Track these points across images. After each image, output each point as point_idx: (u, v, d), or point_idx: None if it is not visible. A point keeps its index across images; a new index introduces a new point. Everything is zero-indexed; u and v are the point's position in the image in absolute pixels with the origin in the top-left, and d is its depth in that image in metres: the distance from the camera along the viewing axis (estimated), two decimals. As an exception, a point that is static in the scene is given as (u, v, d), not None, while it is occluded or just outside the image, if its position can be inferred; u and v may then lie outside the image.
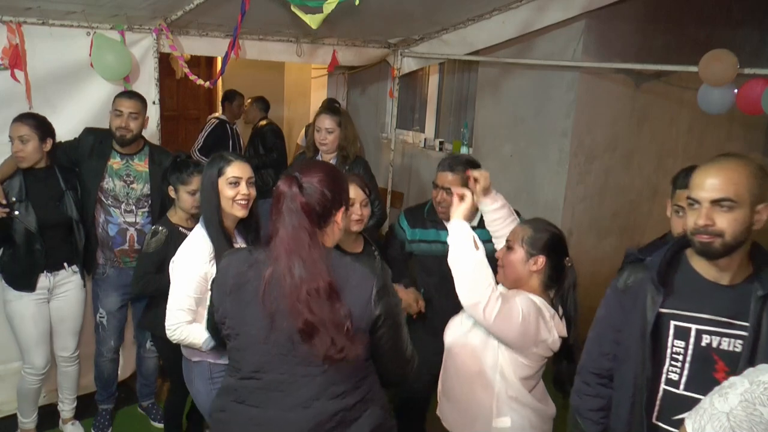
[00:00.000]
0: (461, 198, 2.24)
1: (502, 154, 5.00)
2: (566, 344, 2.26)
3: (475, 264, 2.08)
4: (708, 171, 1.75)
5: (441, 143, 5.72)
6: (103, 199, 3.43)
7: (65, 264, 3.35)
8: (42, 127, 3.18)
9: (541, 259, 2.24)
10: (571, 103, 4.51)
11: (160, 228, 3.07)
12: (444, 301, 2.80)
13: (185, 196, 3.07)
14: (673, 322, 1.83)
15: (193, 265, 2.50)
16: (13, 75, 3.35)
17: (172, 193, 3.12)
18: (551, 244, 2.26)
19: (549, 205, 4.67)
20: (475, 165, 2.87)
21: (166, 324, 2.52)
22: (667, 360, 1.84)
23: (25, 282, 3.26)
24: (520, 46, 4.69)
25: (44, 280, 3.30)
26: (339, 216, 1.86)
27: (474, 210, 2.25)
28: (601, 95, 4.65)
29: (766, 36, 5.23)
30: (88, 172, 3.39)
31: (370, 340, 1.83)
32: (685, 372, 1.82)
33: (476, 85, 5.32)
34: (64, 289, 3.38)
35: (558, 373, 2.32)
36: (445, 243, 2.84)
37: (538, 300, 2.22)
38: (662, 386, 1.85)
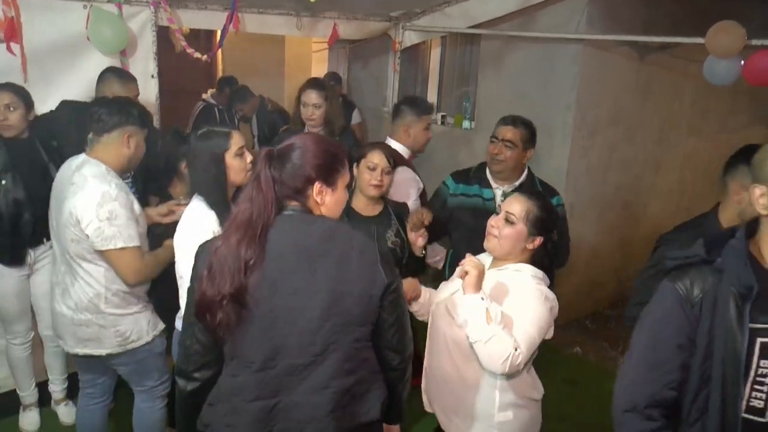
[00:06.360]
0: (467, 272, 2.07)
1: (504, 128, 4.95)
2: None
3: (491, 336, 2.00)
4: None
5: (443, 117, 5.67)
6: None
7: (44, 239, 3.21)
8: (26, 95, 3.10)
9: (539, 240, 2.24)
10: (575, 76, 4.46)
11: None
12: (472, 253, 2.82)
13: None
14: (759, 339, 1.48)
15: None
16: (8, 48, 3.30)
17: (184, 169, 3.03)
18: (551, 225, 2.27)
19: (552, 178, 4.59)
20: (532, 128, 3.07)
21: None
22: (749, 384, 1.50)
23: (13, 256, 3.17)
24: (522, 18, 4.61)
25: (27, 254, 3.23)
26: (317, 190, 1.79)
27: (481, 278, 2.07)
28: (605, 68, 4.60)
29: (773, 7, 5.15)
30: (68, 145, 3.22)
31: (376, 312, 1.80)
32: None
33: (478, 58, 5.26)
34: (44, 263, 3.27)
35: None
36: (485, 199, 3.03)
37: (540, 274, 2.23)
38: (741, 414, 1.51)
